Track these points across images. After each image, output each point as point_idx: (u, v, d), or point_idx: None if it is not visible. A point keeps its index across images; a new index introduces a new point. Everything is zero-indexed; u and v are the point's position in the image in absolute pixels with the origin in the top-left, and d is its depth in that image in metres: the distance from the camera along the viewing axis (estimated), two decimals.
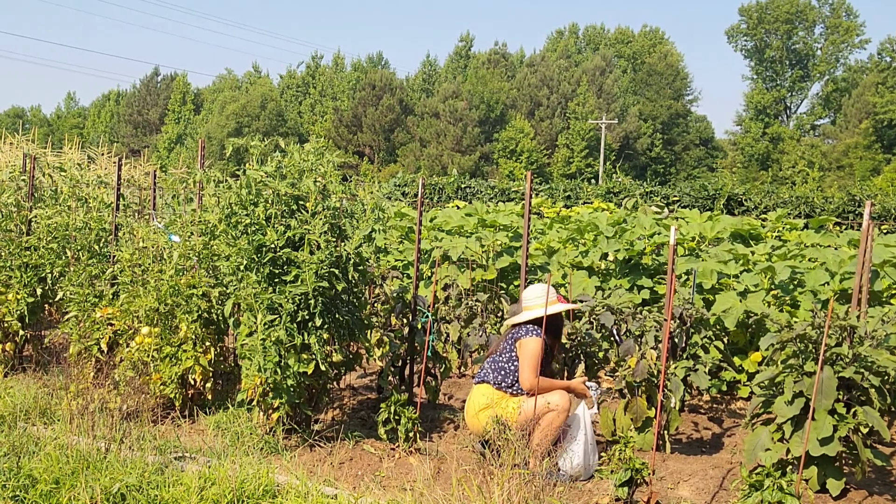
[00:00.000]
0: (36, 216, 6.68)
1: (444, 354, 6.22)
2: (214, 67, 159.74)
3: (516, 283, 7.92)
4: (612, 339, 5.41)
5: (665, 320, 4.41)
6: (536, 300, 4.74)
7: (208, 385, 5.39)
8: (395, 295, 5.85)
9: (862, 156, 52.42)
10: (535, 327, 4.67)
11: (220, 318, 5.37)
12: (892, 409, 4.68)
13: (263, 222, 4.70)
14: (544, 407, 4.48)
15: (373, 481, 4.34)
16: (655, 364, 4.78)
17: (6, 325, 6.40)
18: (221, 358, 5.59)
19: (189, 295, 5.33)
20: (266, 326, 4.65)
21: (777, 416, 4.19)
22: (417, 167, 53.52)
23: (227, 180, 4.99)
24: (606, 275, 7.47)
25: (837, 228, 12.18)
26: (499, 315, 6.58)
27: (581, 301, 5.61)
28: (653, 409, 4.83)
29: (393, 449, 4.85)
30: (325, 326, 4.76)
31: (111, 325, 5.66)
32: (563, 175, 53.48)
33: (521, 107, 60.22)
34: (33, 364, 6.54)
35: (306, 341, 4.68)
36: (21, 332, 6.45)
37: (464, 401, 6.14)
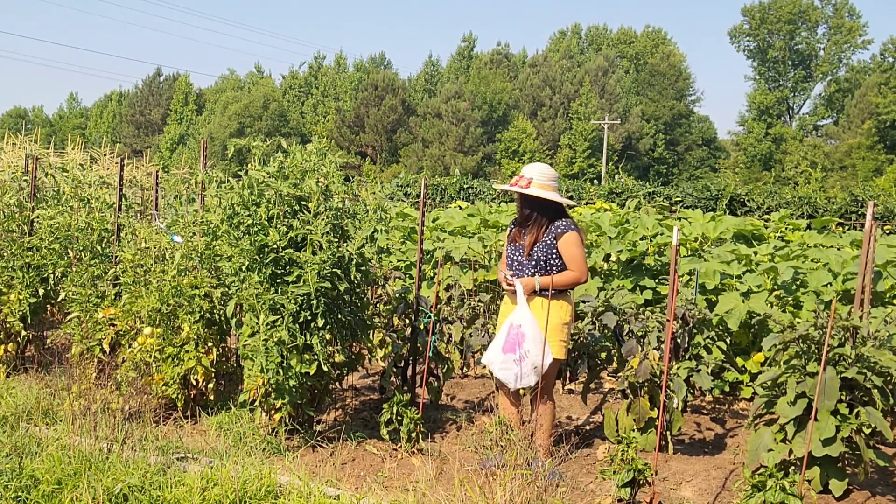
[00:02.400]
0: (38, 216, 6.67)
1: (447, 355, 6.21)
2: (216, 68, 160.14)
3: None
4: (614, 339, 5.40)
5: (668, 321, 4.40)
6: (554, 182, 4.59)
7: (210, 385, 5.39)
8: (397, 295, 5.84)
9: (864, 156, 52.34)
10: (571, 221, 4.61)
11: (223, 318, 5.37)
12: (895, 409, 4.67)
13: (266, 223, 4.70)
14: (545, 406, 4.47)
15: (375, 482, 4.34)
16: (658, 364, 4.78)
17: (8, 325, 6.40)
18: (224, 358, 5.58)
19: (191, 295, 5.33)
20: (268, 327, 4.65)
21: (780, 416, 4.19)
22: (420, 168, 53.50)
23: (229, 181, 4.99)
24: (609, 275, 7.46)
25: (840, 229, 12.14)
26: None
27: (584, 301, 5.60)
28: (655, 409, 4.82)
29: (395, 449, 4.84)
30: (328, 327, 4.76)
31: (113, 325, 5.66)
32: (565, 175, 53.43)
33: (524, 107, 60.19)
34: (35, 365, 6.53)
35: (308, 342, 4.68)
36: (23, 333, 6.46)
37: (466, 401, 6.13)
